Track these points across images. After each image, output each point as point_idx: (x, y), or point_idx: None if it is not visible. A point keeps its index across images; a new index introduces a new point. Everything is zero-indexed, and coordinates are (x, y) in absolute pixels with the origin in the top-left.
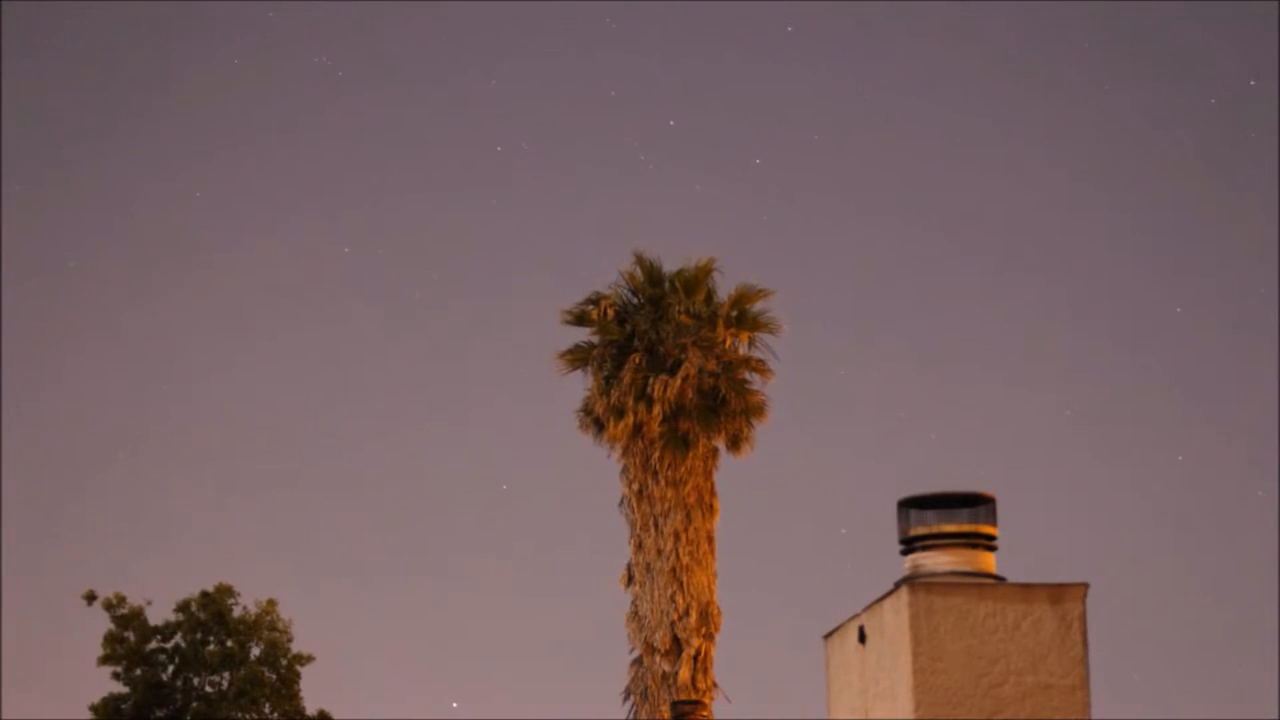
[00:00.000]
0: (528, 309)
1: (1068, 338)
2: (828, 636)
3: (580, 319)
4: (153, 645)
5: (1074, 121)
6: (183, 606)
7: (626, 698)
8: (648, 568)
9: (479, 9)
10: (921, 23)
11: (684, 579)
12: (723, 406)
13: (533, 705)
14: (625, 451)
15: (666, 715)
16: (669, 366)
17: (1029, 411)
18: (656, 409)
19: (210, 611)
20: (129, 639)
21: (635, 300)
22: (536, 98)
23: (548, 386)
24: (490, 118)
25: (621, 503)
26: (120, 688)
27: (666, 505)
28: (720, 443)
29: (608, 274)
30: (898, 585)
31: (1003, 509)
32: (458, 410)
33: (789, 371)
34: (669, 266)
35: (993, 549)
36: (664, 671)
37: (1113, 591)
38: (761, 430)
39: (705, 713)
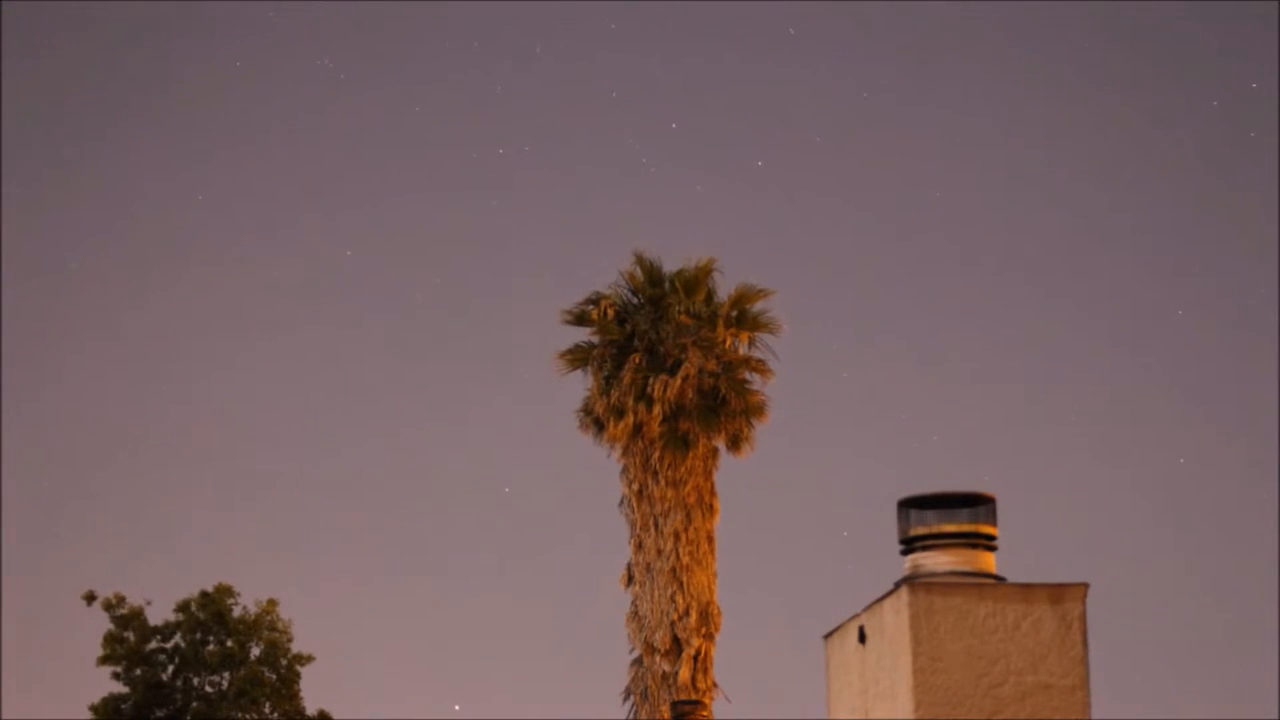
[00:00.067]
0: (528, 309)
1: (1068, 339)
2: (828, 636)
3: (580, 319)
4: (152, 645)
5: (1075, 123)
6: (182, 606)
7: (626, 698)
8: (648, 568)
9: (480, 11)
10: (922, 24)
11: (684, 579)
12: (723, 406)
13: (533, 705)
14: (625, 451)
15: (666, 715)
16: (669, 366)
17: (1029, 412)
18: (656, 409)
19: (210, 611)
20: (129, 639)
21: (635, 300)
22: (538, 100)
23: (548, 386)
24: (492, 120)
25: (621, 503)
26: (120, 688)
27: (666, 505)
28: (720, 443)
29: (608, 274)
30: (898, 585)
31: (1003, 509)
32: (458, 410)
33: (789, 371)
34: (669, 266)
35: (993, 549)
36: (664, 671)
37: (1113, 591)
38: (761, 430)
39: (705, 713)
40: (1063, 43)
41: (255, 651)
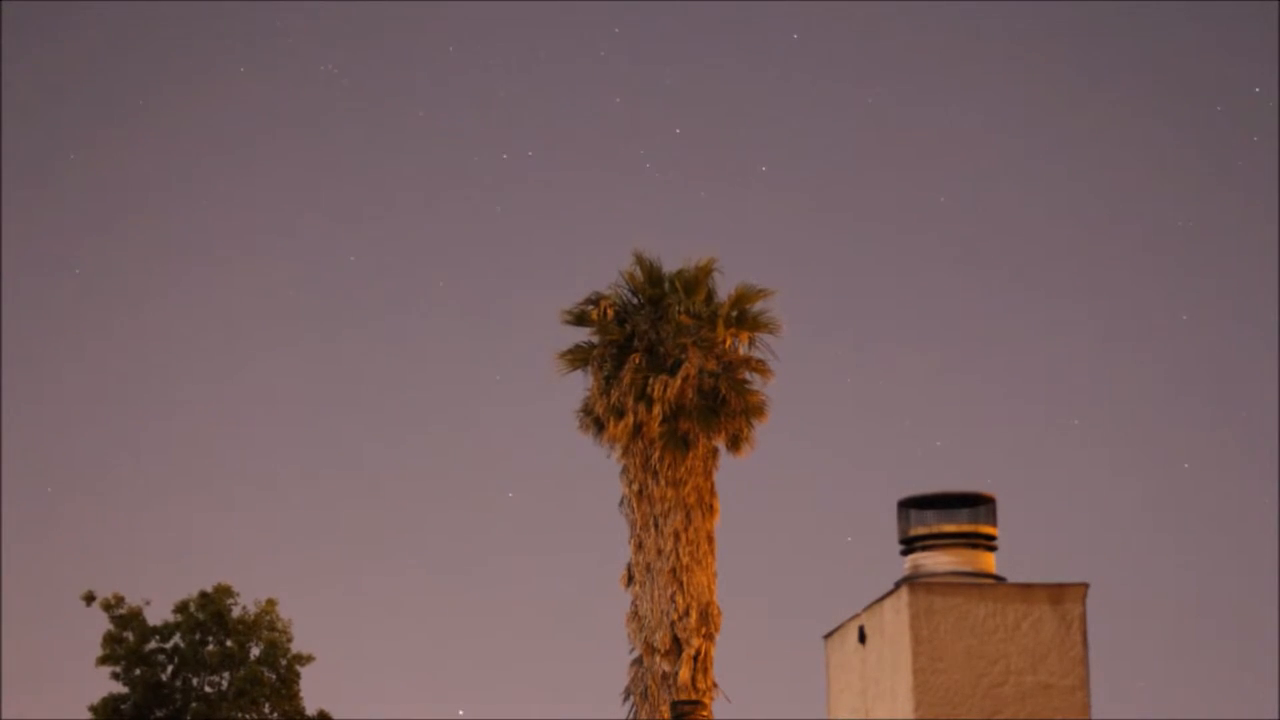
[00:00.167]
0: (529, 311)
1: (1069, 340)
2: (828, 636)
3: (580, 319)
4: (152, 645)
5: (1078, 127)
6: (181, 607)
7: (626, 698)
8: (648, 568)
9: (484, 16)
10: (924, 29)
11: (684, 579)
12: (723, 406)
13: (533, 705)
14: (625, 451)
15: (666, 715)
16: (669, 366)
17: (1029, 412)
18: (656, 409)
19: (209, 612)
20: (128, 639)
21: (635, 300)
22: (541, 104)
23: (548, 386)
24: (495, 125)
25: (621, 503)
26: (120, 688)
27: (666, 505)
28: (720, 443)
29: (609, 275)
30: (898, 585)
31: (1003, 509)
32: (458, 410)
33: (789, 371)
34: (669, 266)
35: (993, 549)
36: (664, 671)
37: (1113, 591)
38: (761, 430)
39: (705, 713)
40: (1065, 47)
41: (255, 651)
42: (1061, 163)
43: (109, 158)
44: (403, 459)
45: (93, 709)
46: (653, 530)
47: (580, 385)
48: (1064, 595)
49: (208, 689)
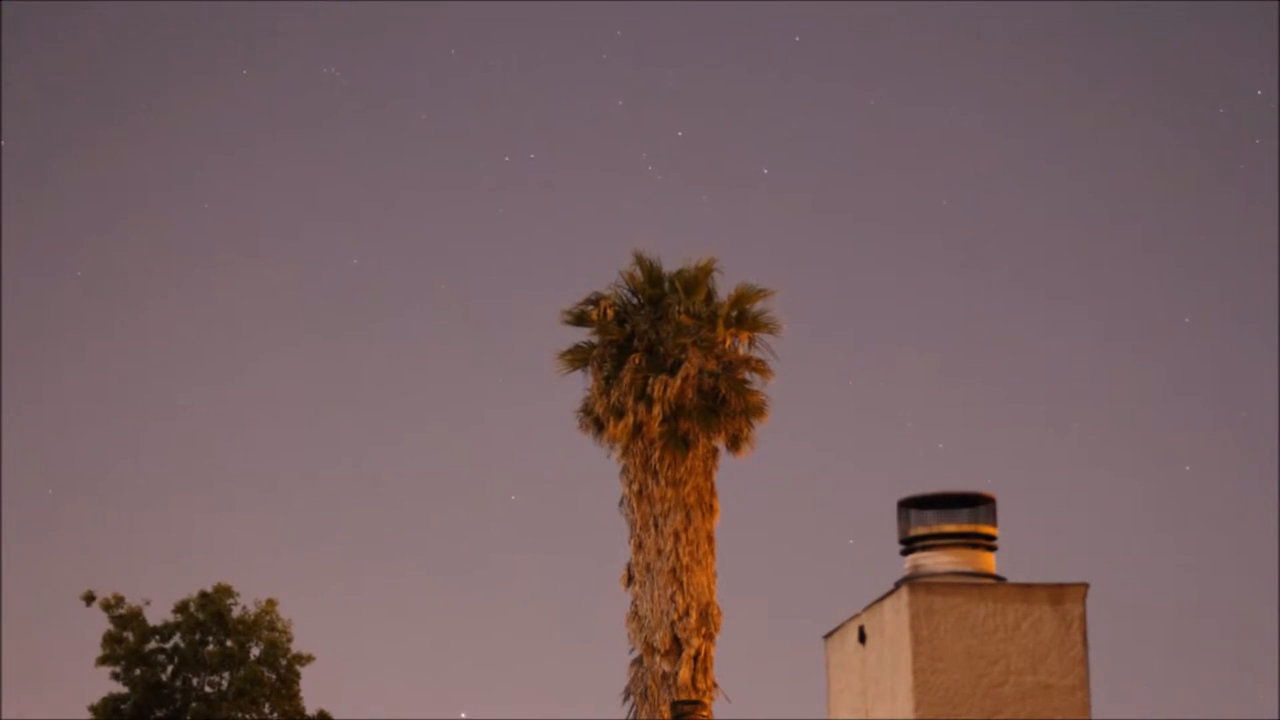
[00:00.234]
0: (529, 311)
1: (1069, 341)
2: (828, 636)
3: (580, 319)
4: (152, 645)
5: (1080, 129)
6: (181, 607)
7: (626, 698)
8: (648, 568)
9: (486, 19)
10: (926, 32)
11: (684, 579)
12: (723, 406)
13: (533, 705)
14: (625, 451)
15: (666, 715)
16: (669, 366)
17: (1030, 412)
18: (656, 409)
19: (209, 612)
20: (128, 639)
21: (635, 300)
22: (543, 107)
23: (548, 386)
24: (497, 127)
25: (621, 503)
26: (119, 688)
27: (666, 505)
28: (720, 443)
29: (609, 276)
30: (898, 585)
31: (1003, 509)
32: (458, 410)
33: (789, 371)
34: (669, 267)
35: (993, 549)
36: (664, 671)
37: (1113, 591)
38: (761, 430)
39: (705, 713)
40: (1065, 47)
41: (255, 651)
42: (1061, 163)
43: (109, 158)
44: (403, 459)
45: (93, 709)
46: (653, 530)
47: (580, 385)
48: (1064, 595)
49: (208, 689)
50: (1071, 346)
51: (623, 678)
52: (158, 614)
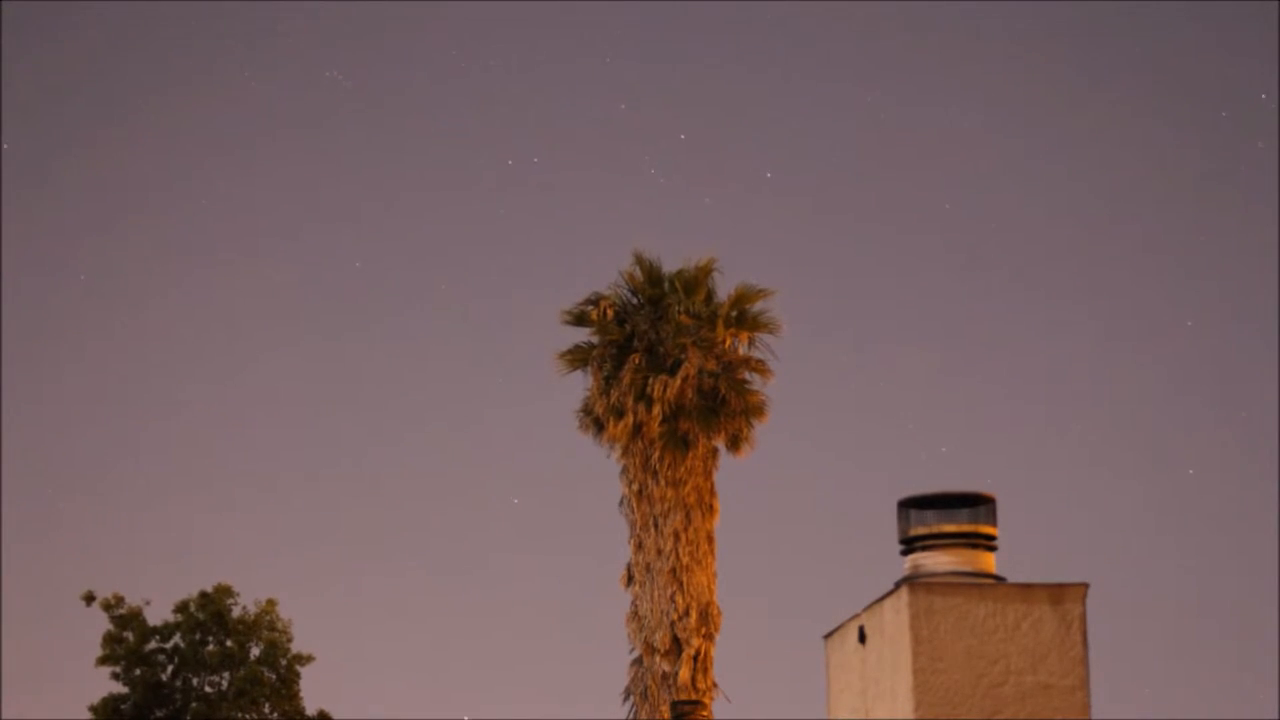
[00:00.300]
0: (529, 311)
1: (1069, 342)
2: (828, 636)
3: (580, 319)
4: (152, 645)
5: (1082, 132)
6: (181, 607)
7: (626, 698)
8: (648, 568)
9: (489, 23)
10: (925, 31)
11: (684, 579)
12: (723, 406)
13: (533, 705)
14: (625, 451)
15: (666, 715)
16: (669, 366)
17: (1030, 412)
18: (656, 409)
19: (209, 612)
20: (128, 639)
21: (635, 300)
22: (546, 110)
23: (548, 386)
24: (500, 131)
25: (621, 503)
26: (120, 688)
27: (666, 505)
28: (720, 443)
29: (609, 276)
30: (898, 585)
31: (1003, 509)
32: (458, 410)
33: (789, 371)
34: (669, 267)
35: (993, 549)
36: (664, 671)
37: (1113, 591)
38: (761, 430)
39: (705, 713)
40: (1065, 47)
41: (255, 651)
42: (1061, 163)
43: (109, 158)
44: (403, 459)
45: (93, 709)
46: (653, 530)
47: (580, 385)
48: (1064, 595)
49: (208, 689)
50: (1071, 346)
51: (623, 678)
52: (158, 614)
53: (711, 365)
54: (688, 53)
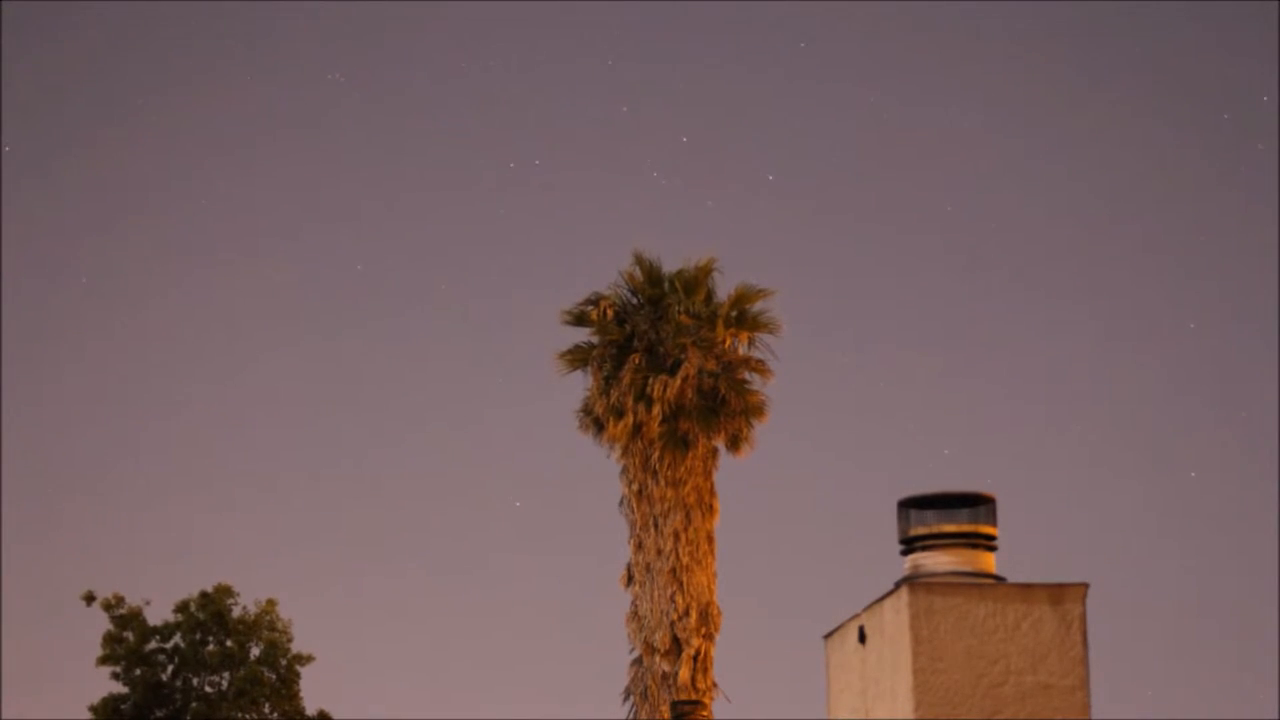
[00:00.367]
0: (529, 311)
1: (1069, 342)
2: (828, 636)
3: (580, 319)
4: (152, 645)
5: (1079, 128)
6: (182, 607)
7: (626, 698)
8: (647, 568)
9: (491, 26)
10: (925, 31)
11: (684, 579)
12: (723, 406)
13: (533, 705)
14: (625, 451)
15: (666, 715)
16: (669, 366)
17: (1030, 413)
18: (656, 409)
19: (209, 612)
20: (128, 639)
21: (635, 300)
22: (548, 112)
23: (548, 386)
24: (502, 134)
25: (621, 503)
26: (120, 688)
27: (666, 505)
28: (720, 443)
29: (609, 276)
30: (898, 585)
31: (1003, 509)
32: (458, 410)
33: (789, 371)
34: (668, 267)
35: (993, 549)
36: (664, 671)
37: (1113, 591)
38: (761, 430)
39: (705, 713)
40: (1065, 47)
41: (255, 651)
42: (1061, 163)
43: (109, 158)
44: (403, 459)
45: (93, 709)
46: (652, 530)
47: (580, 385)
48: (1064, 595)
49: (208, 689)
50: (1071, 347)
51: (623, 678)
52: (158, 614)
53: (711, 365)
54: (689, 53)
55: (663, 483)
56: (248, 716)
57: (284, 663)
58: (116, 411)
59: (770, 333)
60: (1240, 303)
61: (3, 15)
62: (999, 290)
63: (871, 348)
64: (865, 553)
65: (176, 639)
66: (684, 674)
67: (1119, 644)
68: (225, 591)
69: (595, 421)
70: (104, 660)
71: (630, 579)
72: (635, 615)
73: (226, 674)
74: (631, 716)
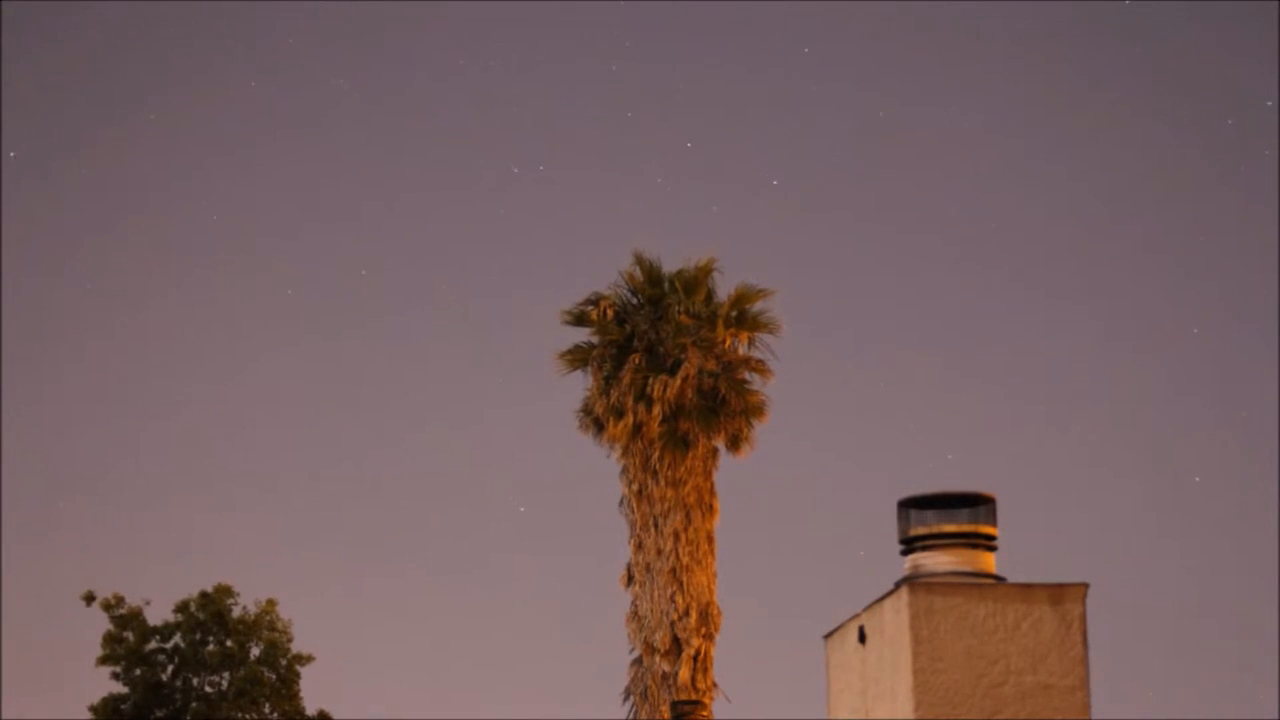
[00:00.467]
0: (529, 312)
1: (1068, 341)
2: (828, 636)
3: (580, 319)
4: (152, 645)
5: (1079, 128)
6: (182, 607)
7: (626, 698)
8: (648, 568)
9: (495, 32)
10: (925, 31)
11: (684, 579)
12: (723, 406)
13: (533, 705)
14: (625, 451)
15: (666, 715)
16: (669, 366)
17: (1030, 413)
18: (656, 409)
19: (209, 612)
20: (128, 639)
21: (635, 300)
22: (549, 114)
23: (548, 386)
24: (505, 138)
25: (621, 503)
26: (120, 688)
27: (666, 505)
28: (720, 443)
29: (609, 276)
30: (898, 585)
31: (1003, 509)
32: (458, 410)
33: (789, 371)
34: (668, 267)
35: (993, 549)
36: (664, 671)
37: (1113, 591)
38: (761, 430)
39: (705, 713)
40: (1065, 47)
41: (255, 651)
42: (1061, 163)
43: (109, 158)
44: (403, 460)
45: (93, 709)
46: (653, 530)
47: (580, 385)
48: (1064, 595)
49: (208, 689)
50: (1071, 346)
51: (623, 678)
52: (158, 614)
53: (711, 365)
54: (690, 55)
55: (663, 483)
56: (248, 716)
57: (284, 663)
58: (116, 411)
59: (770, 333)
60: (1240, 303)
61: (3, 15)
62: (999, 290)
63: (871, 347)
64: (865, 553)
65: (176, 639)
66: (684, 674)
67: (1119, 644)
68: (225, 591)
69: (595, 421)
70: (104, 660)
71: (630, 579)
72: (635, 615)
73: (226, 674)
74: (631, 716)
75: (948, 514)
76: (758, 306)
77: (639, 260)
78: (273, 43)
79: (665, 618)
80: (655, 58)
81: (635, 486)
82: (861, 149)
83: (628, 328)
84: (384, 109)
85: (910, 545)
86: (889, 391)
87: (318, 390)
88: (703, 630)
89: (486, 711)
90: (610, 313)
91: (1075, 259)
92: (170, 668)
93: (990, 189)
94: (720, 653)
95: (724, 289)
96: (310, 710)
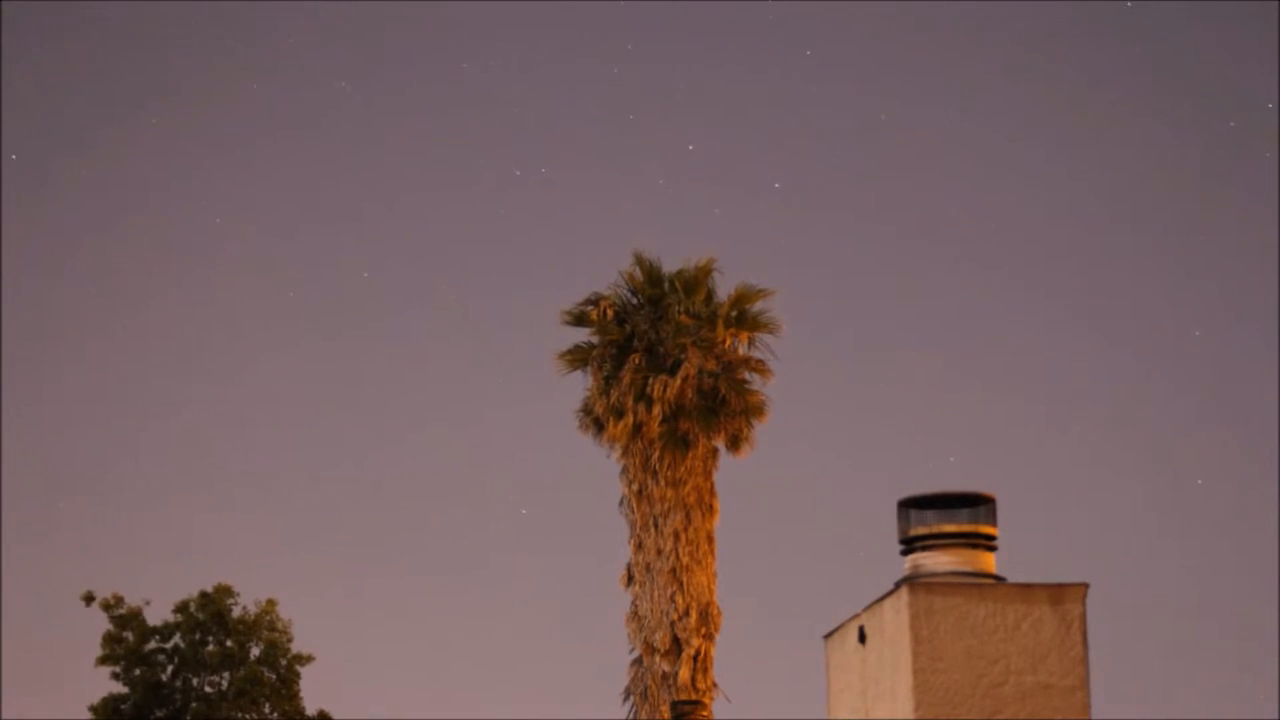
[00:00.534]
0: (529, 312)
1: (1068, 341)
2: (828, 636)
3: (580, 319)
4: (152, 645)
5: (1079, 129)
6: (181, 607)
7: (626, 698)
8: (647, 568)
9: (497, 35)
10: (925, 31)
11: (684, 579)
12: (723, 406)
13: (533, 705)
14: (625, 451)
15: (666, 715)
16: (669, 366)
17: (1030, 413)
18: (656, 409)
19: (209, 612)
20: (128, 639)
21: (635, 300)
22: (550, 115)
23: (548, 386)
24: (507, 141)
25: (621, 503)
26: (119, 688)
27: (666, 505)
28: (720, 443)
29: (609, 276)
30: (898, 585)
31: (1003, 509)
32: (458, 410)
33: (789, 371)
34: (669, 267)
35: (993, 549)
36: (664, 671)
37: (1113, 591)
38: (761, 430)
39: (705, 713)
40: (1067, 50)
41: (255, 651)
42: (1061, 163)
43: (109, 158)
44: (403, 460)
45: (93, 709)
46: (653, 530)
47: (580, 385)
48: (1064, 595)
49: (208, 689)
50: (1071, 347)
51: (623, 678)
52: (158, 614)
53: (711, 365)
54: (691, 56)
55: (663, 483)
56: (248, 716)
57: (284, 663)
58: (116, 411)
59: (770, 333)
60: (1240, 303)
61: (3, 15)
62: (999, 290)
63: (871, 347)
64: (865, 553)
65: (176, 639)
66: (684, 674)
67: (1119, 644)
68: (225, 591)
69: (595, 421)
70: (104, 660)
71: (630, 579)
72: (635, 615)
73: (226, 674)
74: (631, 716)
75: (948, 514)
76: (758, 306)
77: (639, 260)
78: (273, 43)
79: (665, 618)
80: (656, 59)
81: (635, 486)
82: (862, 150)
83: (628, 328)
84: (384, 110)
85: (910, 545)
86: (889, 391)
87: (318, 390)
88: (703, 630)
89: (486, 711)
90: (610, 313)
91: (1075, 259)
92: (170, 668)
93: (990, 189)
94: (720, 653)
95: (724, 289)
96: (310, 710)
